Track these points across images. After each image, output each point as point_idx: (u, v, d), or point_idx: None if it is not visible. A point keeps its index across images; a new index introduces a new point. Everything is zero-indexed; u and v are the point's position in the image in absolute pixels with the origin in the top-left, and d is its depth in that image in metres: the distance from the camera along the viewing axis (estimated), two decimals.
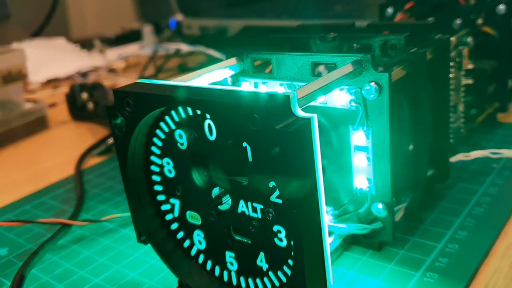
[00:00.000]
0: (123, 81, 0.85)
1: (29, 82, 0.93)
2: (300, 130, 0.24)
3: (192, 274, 0.34)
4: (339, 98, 0.33)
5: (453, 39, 0.41)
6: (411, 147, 0.36)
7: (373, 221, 0.35)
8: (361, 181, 0.34)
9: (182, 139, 0.31)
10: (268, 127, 0.24)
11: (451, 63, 0.42)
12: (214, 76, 0.36)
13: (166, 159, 0.32)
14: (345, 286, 0.32)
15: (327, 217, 0.27)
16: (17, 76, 0.64)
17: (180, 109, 0.30)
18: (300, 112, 0.25)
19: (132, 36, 1.19)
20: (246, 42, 0.77)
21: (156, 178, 0.33)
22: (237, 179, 0.29)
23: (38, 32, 1.22)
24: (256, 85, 0.37)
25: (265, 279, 0.30)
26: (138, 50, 1.07)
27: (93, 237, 0.41)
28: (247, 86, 0.37)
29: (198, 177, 0.31)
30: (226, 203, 0.30)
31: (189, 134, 0.30)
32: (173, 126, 0.31)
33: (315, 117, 0.25)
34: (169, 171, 0.32)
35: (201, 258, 0.33)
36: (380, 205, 0.33)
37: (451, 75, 0.42)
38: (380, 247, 0.35)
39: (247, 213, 0.29)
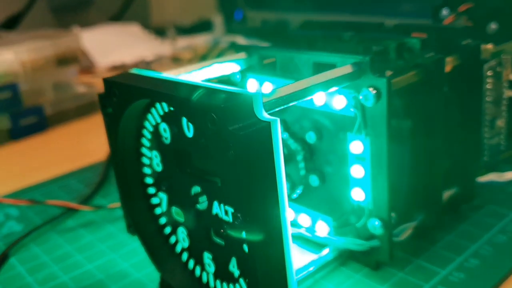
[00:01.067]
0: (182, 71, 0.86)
1: (96, 65, 0.96)
2: (255, 133, 0.22)
3: (175, 273, 0.33)
4: (339, 102, 0.30)
5: (490, 46, 0.37)
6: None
7: (372, 237, 0.32)
8: (358, 194, 0.31)
9: (166, 133, 0.30)
10: (224, 128, 0.23)
11: (489, 73, 0.38)
12: (221, 69, 0.35)
13: (154, 152, 0.32)
14: None
15: (290, 230, 0.25)
16: (72, 60, 0.66)
17: (164, 102, 0.29)
18: (265, 115, 0.24)
19: (206, 26, 1.20)
20: (301, 37, 0.75)
21: (147, 170, 0.33)
22: (213, 179, 0.28)
23: (118, 17, 1.27)
24: (261, 83, 0.35)
25: (237, 286, 0.29)
26: (207, 41, 1.07)
27: (101, 223, 0.42)
28: (252, 83, 0.35)
29: (179, 173, 0.30)
30: (203, 203, 0.29)
31: (171, 129, 0.29)
32: (158, 119, 0.30)
33: (277, 121, 0.23)
34: (157, 164, 0.32)
35: (184, 256, 0.33)
36: (376, 222, 0.31)
37: (488, 86, 0.38)
38: (377, 266, 0.33)
39: (220, 215, 0.28)
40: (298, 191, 0.33)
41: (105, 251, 0.38)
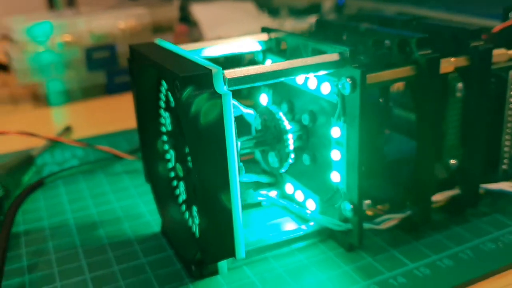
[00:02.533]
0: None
1: (204, 37, 1.03)
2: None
3: (173, 221, 0.37)
4: (325, 88, 0.32)
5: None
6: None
7: (347, 220, 0.34)
8: (336, 177, 0.33)
9: (171, 97, 0.34)
10: (182, 96, 0.26)
11: None
12: (245, 46, 0.38)
13: (167, 113, 0.36)
14: (288, 271, 0.33)
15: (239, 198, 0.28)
16: (167, 28, 0.73)
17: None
18: (224, 88, 0.27)
19: (317, 9, 1.22)
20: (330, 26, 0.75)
21: (163, 129, 0.37)
22: None
23: None
24: None
25: None
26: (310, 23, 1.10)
27: (142, 172, 0.47)
28: (268, 63, 0.38)
29: (179, 134, 0.34)
30: (190, 162, 0.33)
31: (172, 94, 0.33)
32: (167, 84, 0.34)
33: (229, 94, 0.26)
34: (169, 124, 0.36)
35: (183, 208, 0.37)
36: (348, 205, 0.33)
37: None
38: (350, 248, 0.34)
39: None
40: (286, 166, 0.35)
41: (134, 195, 0.43)
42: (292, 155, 0.35)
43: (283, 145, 0.34)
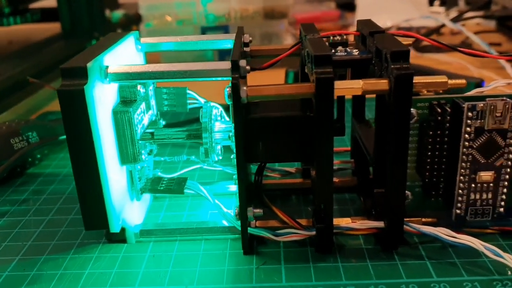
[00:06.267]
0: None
1: (354, 24, 1.02)
2: (75, 92, 0.30)
3: None
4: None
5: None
6: None
7: None
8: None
9: None
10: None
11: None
12: (217, 43, 0.41)
13: None
14: (178, 256, 0.35)
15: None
16: (279, 15, 0.76)
17: None
18: (94, 83, 0.31)
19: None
20: None
21: None
22: None
23: None
24: None
25: None
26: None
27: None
28: None
29: None
30: None
31: None
32: None
33: (92, 88, 0.30)
34: None
35: None
36: (234, 210, 0.34)
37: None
38: (246, 252, 0.35)
39: None
40: (212, 158, 0.37)
41: None
42: (217, 152, 0.37)
43: (203, 141, 0.36)
